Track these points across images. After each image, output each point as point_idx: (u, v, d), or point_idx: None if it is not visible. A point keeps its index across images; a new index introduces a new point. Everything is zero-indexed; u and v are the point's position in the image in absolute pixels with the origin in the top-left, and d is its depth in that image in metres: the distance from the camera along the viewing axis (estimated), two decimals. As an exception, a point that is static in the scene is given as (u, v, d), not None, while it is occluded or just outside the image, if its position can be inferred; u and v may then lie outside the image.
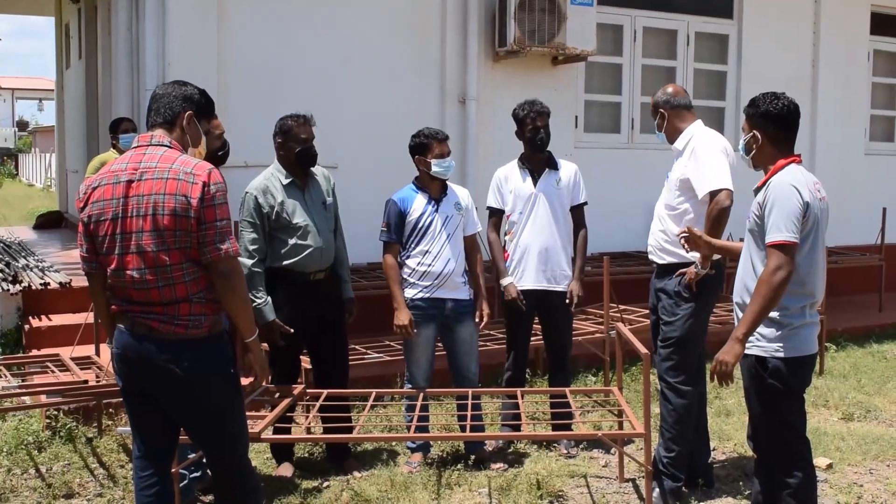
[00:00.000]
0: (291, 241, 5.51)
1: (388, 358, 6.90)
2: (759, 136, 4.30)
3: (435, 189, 5.81)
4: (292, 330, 5.42)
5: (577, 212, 6.23)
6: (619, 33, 10.17)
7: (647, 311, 8.18)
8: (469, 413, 5.26)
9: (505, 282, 6.08)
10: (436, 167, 5.73)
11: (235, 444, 3.86)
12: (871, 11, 11.85)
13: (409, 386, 5.88)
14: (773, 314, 4.13)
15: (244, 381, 3.97)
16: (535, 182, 6.09)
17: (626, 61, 10.22)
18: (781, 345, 4.15)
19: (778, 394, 4.19)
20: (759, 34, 10.88)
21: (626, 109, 10.28)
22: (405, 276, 5.77)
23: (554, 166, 6.15)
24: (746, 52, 10.82)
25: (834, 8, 11.35)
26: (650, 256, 5.49)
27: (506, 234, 6.23)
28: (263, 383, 4.25)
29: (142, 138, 3.74)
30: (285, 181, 5.55)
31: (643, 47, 10.31)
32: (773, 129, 4.29)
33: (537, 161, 6.13)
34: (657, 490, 5.20)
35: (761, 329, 4.16)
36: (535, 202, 6.07)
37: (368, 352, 7.07)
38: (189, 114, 3.78)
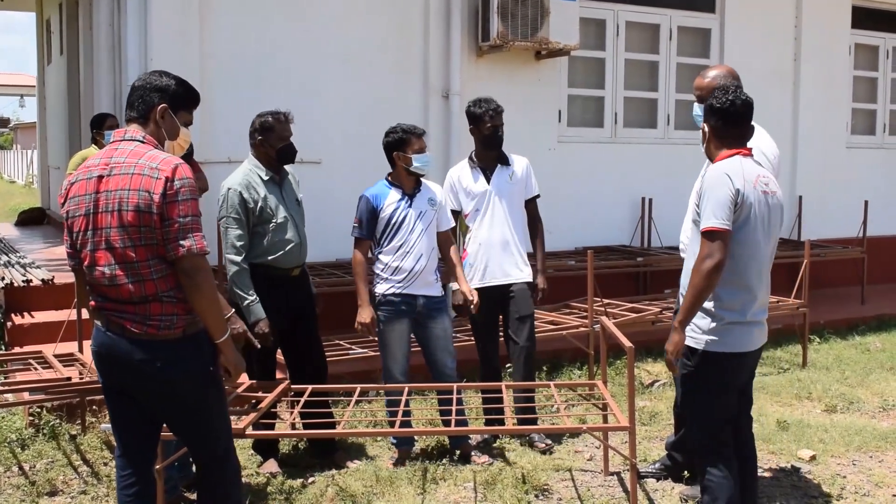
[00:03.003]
0: (273, 237, 5.48)
1: (372, 353, 6.88)
2: (706, 130, 4.33)
3: (409, 185, 5.80)
4: (272, 337, 5.40)
5: (531, 205, 6.34)
6: (602, 28, 10.18)
7: (631, 305, 8.26)
8: (454, 408, 5.27)
9: (453, 287, 6.11)
10: (416, 162, 5.72)
11: (216, 439, 3.83)
12: (852, 5, 11.92)
13: (386, 382, 5.87)
14: (708, 305, 4.15)
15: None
16: (487, 179, 6.16)
17: (609, 55, 10.24)
18: (710, 338, 4.16)
19: (704, 384, 4.21)
20: (741, 28, 10.92)
21: (610, 104, 10.28)
22: (378, 272, 5.76)
23: (505, 162, 6.22)
24: (729, 45, 10.85)
25: (815, 2, 11.40)
26: (682, 254, 5.40)
27: (464, 234, 6.26)
28: (239, 381, 4.21)
29: (117, 133, 3.72)
30: (265, 177, 5.53)
31: (626, 41, 10.32)
32: (716, 122, 4.28)
33: (488, 158, 6.19)
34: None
35: (697, 319, 4.18)
36: (490, 199, 6.14)
37: (353, 347, 7.06)
38: (163, 107, 3.71)
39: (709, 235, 4.05)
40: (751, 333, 4.20)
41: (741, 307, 4.15)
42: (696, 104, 5.15)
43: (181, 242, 3.49)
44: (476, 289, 6.05)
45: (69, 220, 3.64)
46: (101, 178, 3.55)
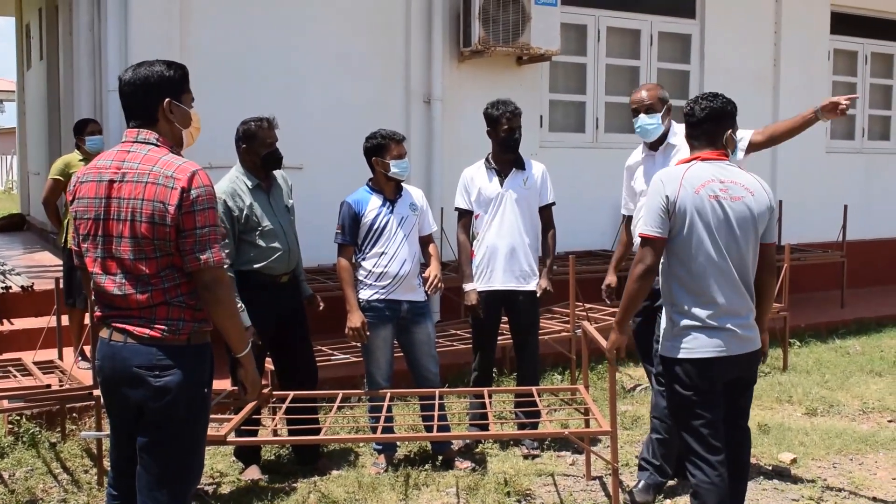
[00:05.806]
0: (260, 245, 5.47)
1: (355, 359, 6.87)
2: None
3: (390, 190, 5.80)
4: (260, 342, 5.39)
5: (546, 212, 6.26)
6: (583, 33, 10.21)
7: (613, 310, 8.25)
8: (436, 413, 5.27)
9: (467, 287, 6.10)
10: (395, 168, 5.71)
11: (182, 479, 3.51)
12: (831, 11, 12.00)
13: (370, 388, 5.86)
14: (669, 310, 4.22)
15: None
16: (501, 182, 6.10)
17: (590, 61, 10.27)
18: (671, 343, 4.20)
19: (677, 389, 4.21)
20: (722, 33, 10.98)
21: (591, 109, 10.32)
22: (361, 278, 5.76)
23: (521, 166, 6.15)
24: (709, 51, 10.91)
25: (795, 7, 11.48)
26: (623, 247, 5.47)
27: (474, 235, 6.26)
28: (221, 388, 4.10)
29: (129, 133, 3.47)
30: (251, 185, 5.52)
31: (607, 47, 10.36)
32: (685, 129, 4.43)
33: (504, 161, 6.14)
34: (643, 482, 5.25)
35: (663, 326, 4.27)
36: (502, 202, 6.08)
37: (335, 353, 7.05)
38: (167, 102, 3.45)
39: (641, 241, 4.19)
40: (715, 338, 4.12)
41: (698, 312, 4.12)
42: (643, 115, 5.73)
43: (198, 255, 3.33)
44: (480, 292, 6.08)
45: (77, 220, 3.48)
46: (111, 182, 3.37)
